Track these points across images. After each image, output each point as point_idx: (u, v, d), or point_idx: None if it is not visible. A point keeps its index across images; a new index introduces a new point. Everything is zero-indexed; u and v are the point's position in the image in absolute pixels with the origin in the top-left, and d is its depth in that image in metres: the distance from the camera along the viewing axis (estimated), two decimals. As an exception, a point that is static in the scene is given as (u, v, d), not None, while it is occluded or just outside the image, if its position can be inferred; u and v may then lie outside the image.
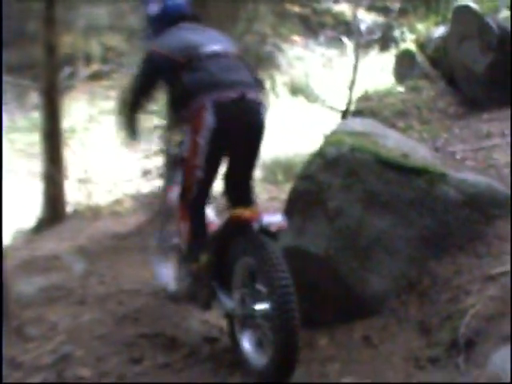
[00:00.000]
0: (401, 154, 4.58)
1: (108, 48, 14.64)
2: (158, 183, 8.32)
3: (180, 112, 4.34)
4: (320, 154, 4.63)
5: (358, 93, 9.58)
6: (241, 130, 4.25)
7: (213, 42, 4.43)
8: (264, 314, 3.82)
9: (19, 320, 4.82)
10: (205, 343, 4.57)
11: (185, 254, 4.47)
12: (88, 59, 14.55)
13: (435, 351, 3.71)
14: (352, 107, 9.33)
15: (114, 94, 12.22)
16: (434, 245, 4.33)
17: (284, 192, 8.93)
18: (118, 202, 9.20)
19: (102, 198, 9.49)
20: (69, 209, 9.23)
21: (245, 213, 4.09)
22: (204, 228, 4.43)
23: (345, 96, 10.04)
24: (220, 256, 4.20)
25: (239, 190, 4.55)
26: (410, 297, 4.23)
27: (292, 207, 4.72)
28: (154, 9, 4.64)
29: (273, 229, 3.91)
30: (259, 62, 9.90)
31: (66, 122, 9.43)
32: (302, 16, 13.28)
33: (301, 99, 11.71)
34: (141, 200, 9.28)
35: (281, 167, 10.14)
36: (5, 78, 10.53)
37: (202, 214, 4.43)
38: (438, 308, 4.00)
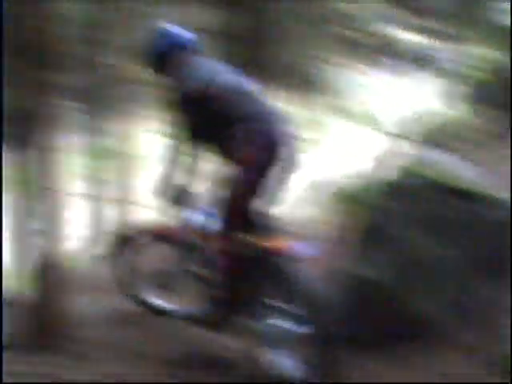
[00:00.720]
0: (458, 178, 4.56)
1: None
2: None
3: (226, 147, 4.40)
4: (378, 179, 4.62)
5: (415, 117, 9.53)
6: (285, 164, 4.36)
7: (238, 75, 4.57)
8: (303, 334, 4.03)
9: (74, 341, 4.88)
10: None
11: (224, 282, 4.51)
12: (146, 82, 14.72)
13: (491, 378, 3.68)
14: (409, 132, 9.28)
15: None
16: (488, 269, 4.29)
17: (337, 218, 8.94)
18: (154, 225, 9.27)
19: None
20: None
21: (277, 243, 4.22)
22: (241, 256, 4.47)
23: (402, 120, 9.99)
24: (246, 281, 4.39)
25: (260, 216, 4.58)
26: (461, 321, 4.20)
27: (363, 237, 4.71)
28: (162, 43, 4.71)
29: (304, 258, 4.06)
30: (316, 85, 9.89)
31: (132, 147, 9.55)
32: (354, 40, 13.27)
33: (357, 123, 11.66)
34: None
35: (334, 190, 10.11)
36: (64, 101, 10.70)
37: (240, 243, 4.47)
38: (491, 332, 3.96)
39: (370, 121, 10.84)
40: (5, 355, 4.71)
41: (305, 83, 9.78)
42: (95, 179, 10.65)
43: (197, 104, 4.38)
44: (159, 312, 5.17)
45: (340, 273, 4.50)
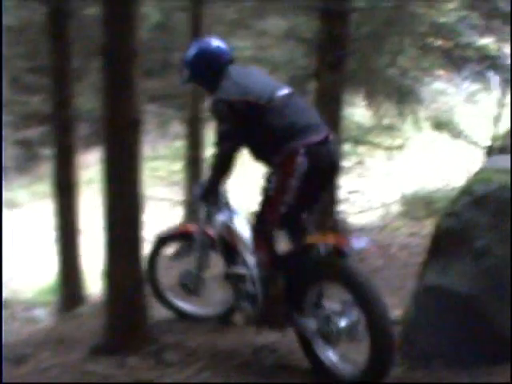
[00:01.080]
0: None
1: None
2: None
3: (267, 156, 4.50)
4: (467, 191, 4.51)
5: (503, 129, 9.35)
6: (327, 170, 4.60)
7: (278, 85, 4.68)
8: (352, 327, 4.24)
9: (158, 345, 4.92)
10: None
11: (263, 280, 4.63)
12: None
13: None
14: (497, 143, 9.10)
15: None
16: None
17: (425, 228, 8.83)
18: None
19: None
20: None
21: (331, 238, 4.47)
22: (278, 254, 4.67)
23: (489, 132, 9.80)
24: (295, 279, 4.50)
25: (304, 223, 4.76)
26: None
27: (436, 244, 4.61)
28: (195, 52, 4.79)
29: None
30: (401, 95, 9.79)
31: (207, 152, 9.61)
32: (444, 49, 13.13)
33: (443, 134, 11.48)
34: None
35: (422, 202, 9.98)
36: (148, 107, 10.84)
37: (275, 243, 4.67)
38: None
39: (458, 132, 10.65)
40: (93, 357, 4.81)
41: (392, 91, 9.67)
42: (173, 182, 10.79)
43: (240, 113, 4.45)
44: (191, 317, 5.42)
45: (426, 286, 4.43)
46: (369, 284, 4.23)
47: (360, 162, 9.22)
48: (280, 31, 9.83)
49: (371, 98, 10.07)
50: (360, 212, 9.04)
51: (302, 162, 4.34)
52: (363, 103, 10.71)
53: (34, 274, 11.09)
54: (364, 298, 4.15)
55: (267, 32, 10.24)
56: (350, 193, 8.60)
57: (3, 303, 5.55)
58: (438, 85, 13.86)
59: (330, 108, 7.64)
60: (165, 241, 5.59)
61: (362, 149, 9.79)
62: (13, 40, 18.05)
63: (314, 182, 4.49)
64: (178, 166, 8.81)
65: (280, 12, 10.43)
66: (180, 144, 9.25)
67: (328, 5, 7.50)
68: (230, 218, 5.01)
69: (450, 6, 9.84)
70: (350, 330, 4.25)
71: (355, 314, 4.21)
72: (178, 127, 9.96)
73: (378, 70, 9.13)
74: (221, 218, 5.03)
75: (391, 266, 7.08)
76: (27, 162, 18.91)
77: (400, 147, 11.23)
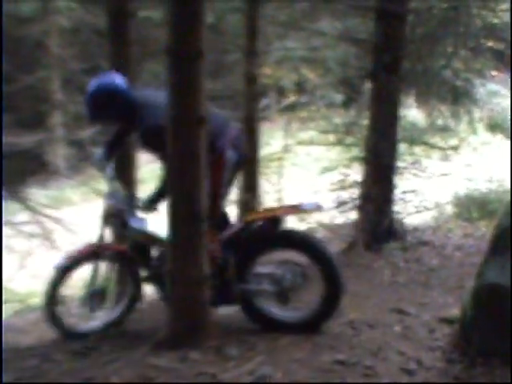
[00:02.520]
0: None
1: (302, 80, 14.94)
2: (354, 214, 8.51)
3: None
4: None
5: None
6: (244, 157, 5.61)
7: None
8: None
9: (219, 340, 4.98)
10: (402, 374, 4.47)
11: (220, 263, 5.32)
12: (284, 91, 14.91)
13: None
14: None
15: (310, 125, 12.48)
16: None
17: (479, 229, 8.80)
18: (311, 230, 9.30)
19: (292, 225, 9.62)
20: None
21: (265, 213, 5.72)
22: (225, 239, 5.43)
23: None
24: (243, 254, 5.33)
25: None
26: None
27: (495, 243, 4.61)
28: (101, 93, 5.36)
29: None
30: (456, 96, 9.75)
31: (262, 151, 9.68)
32: (496, 50, 13.03)
33: (497, 135, 11.42)
34: (335, 230, 9.39)
35: (475, 204, 9.94)
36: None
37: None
38: None
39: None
40: (156, 352, 4.89)
41: (447, 93, 9.63)
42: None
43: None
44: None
45: (485, 285, 4.44)
46: (318, 242, 5.41)
47: (415, 163, 9.19)
48: (334, 32, 9.85)
49: (425, 99, 10.03)
50: (414, 212, 9.03)
51: (231, 155, 5.26)
52: (417, 104, 10.67)
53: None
54: (317, 254, 5.18)
55: (321, 33, 10.27)
56: (404, 193, 8.59)
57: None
58: (491, 86, 13.76)
59: (386, 109, 7.68)
60: (67, 269, 5.72)
61: (417, 149, 9.76)
62: (66, 41, 18.39)
63: (236, 171, 5.49)
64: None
65: (334, 13, 10.46)
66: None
67: (385, 6, 7.53)
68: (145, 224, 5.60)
69: (503, 6, 9.78)
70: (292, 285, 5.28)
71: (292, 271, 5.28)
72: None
73: (432, 71, 9.10)
74: (137, 224, 5.58)
75: (446, 266, 7.09)
76: (80, 162, 19.12)
77: (455, 148, 11.19)
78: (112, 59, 7.19)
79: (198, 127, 4.62)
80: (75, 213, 15.66)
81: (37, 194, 16.17)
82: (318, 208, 5.43)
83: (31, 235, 11.90)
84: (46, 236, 10.35)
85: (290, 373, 4.43)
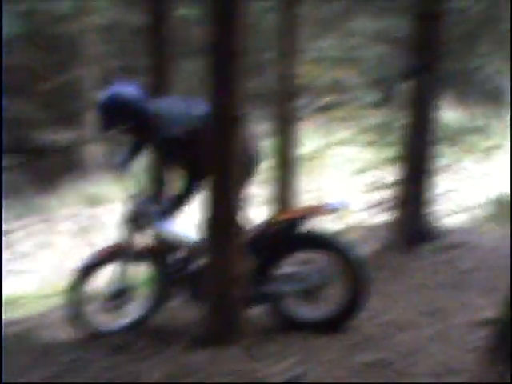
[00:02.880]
0: None
1: (337, 81, 14.94)
2: (388, 215, 8.50)
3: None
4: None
5: None
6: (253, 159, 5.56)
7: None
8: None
9: (254, 339, 5.04)
10: (435, 375, 4.44)
11: None
12: (321, 90, 14.87)
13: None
14: None
15: (347, 124, 12.48)
16: None
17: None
18: (347, 230, 9.31)
19: (330, 225, 9.62)
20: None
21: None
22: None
23: None
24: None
25: None
26: None
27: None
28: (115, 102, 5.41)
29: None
30: (494, 96, 9.71)
31: (299, 150, 9.68)
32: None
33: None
34: (369, 231, 9.38)
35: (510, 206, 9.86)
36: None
37: None
38: None
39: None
40: (191, 348, 4.97)
41: (484, 93, 9.59)
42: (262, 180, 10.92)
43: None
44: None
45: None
46: (343, 243, 5.37)
47: (453, 163, 9.17)
48: (370, 32, 9.86)
49: (462, 99, 10.01)
50: (451, 213, 9.01)
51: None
52: (454, 105, 10.63)
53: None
54: (342, 254, 5.23)
55: (357, 33, 10.28)
56: (440, 194, 8.55)
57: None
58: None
59: (422, 109, 7.67)
60: (91, 270, 5.81)
61: (455, 150, 9.73)
62: (104, 39, 18.55)
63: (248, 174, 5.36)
64: (268, 164, 8.88)
65: (370, 13, 10.47)
66: (270, 142, 9.30)
67: (423, 6, 7.52)
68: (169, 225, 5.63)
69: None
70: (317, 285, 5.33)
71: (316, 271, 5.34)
72: (268, 126, 10.03)
73: (469, 71, 9.09)
74: (162, 225, 5.60)
75: (480, 268, 7.04)
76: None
77: (493, 149, 11.12)
78: (149, 57, 7.26)
79: (235, 125, 4.67)
80: (110, 210, 15.83)
81: (73, 190, 16.38)
82: (344, 206, 5.46)
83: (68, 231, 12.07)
84: (82, 233, 10.49)
85: (323, 372, 4.47)
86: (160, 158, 5.99)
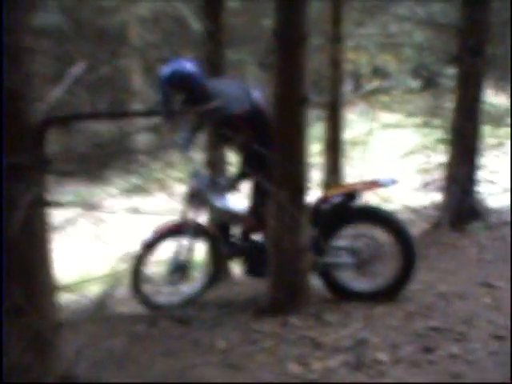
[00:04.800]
0: None
1: (379, 66, 15.06)
2: (437, 196, 8.66)
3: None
4: None
5: None
6: None
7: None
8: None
9: (317, 307, 5.28)
10: (492, 340, 4.61)
11: None
12: (360, 76, 15.02)
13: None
14: None
15: (392, 109, 12.56)
16: None
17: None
18: (397, 210, 9.42)
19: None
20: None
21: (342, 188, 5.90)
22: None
23: None
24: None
25: None
26: None
27: None
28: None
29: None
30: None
31: (346, 135, 9.85)
32: None
33: None
34: (419, 211, 9.54)
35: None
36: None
37: None
38: None
39: None
40: (258, 318, 5.21)
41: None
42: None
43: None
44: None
45: None
46: (393, 216, 5.64)
47: (498, 145, 9.28)
48: (417, 17, 9.96)
49: (506, 82, 10.08)
50: (497, 193, 9.10)
51: None
52: (499, 87, 10.71)
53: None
54: (393, 226, 5.44)
55: (404, 18, 10.38)
56: (488, 174, 8.69)
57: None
58: None
59: (471, 91, 7.82)
60: (152, 245, 6.02)
61: (501, 131, 9.82)
62: (146, 31, 18.81)
63: None
64: (317, 148, 9.08)
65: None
66: (319, 127, 9.49)
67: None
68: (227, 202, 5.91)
69: None
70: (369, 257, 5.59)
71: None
72: (316, 110, 10.19)
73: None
74: (220, 203, 5.85)
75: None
76: (159, 149, 19.42)
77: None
78: (204, 46, 7.43)
79: (301, 106, 4.91)
80: (153, 199, 16.05)
81: (117, 180, 16.61)
82: (394, 183, 5.62)
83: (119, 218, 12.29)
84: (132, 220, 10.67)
85: (386, 338, 4.67)
86: (218, 137, 6.13)
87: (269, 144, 4.99)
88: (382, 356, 4.39)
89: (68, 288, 3.19)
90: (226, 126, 5.37)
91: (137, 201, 16.20)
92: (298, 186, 5.04)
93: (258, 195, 5.59)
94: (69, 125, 6.12)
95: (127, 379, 3.98)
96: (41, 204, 2.65)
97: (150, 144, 19.60)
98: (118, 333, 5.25)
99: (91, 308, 6.52)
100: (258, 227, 5.71)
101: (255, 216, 5.64)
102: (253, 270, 5.84)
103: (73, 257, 10.91)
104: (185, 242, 5.92)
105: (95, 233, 11.13)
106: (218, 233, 5.95)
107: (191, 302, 6.07)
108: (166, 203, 6.01)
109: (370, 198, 6.67)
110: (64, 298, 3.27)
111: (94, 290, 4.51)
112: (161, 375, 4.09)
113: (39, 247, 2.71)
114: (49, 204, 2.74)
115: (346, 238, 5.65)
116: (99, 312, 6.32)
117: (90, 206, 2.85)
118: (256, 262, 5.74)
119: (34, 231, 2.66)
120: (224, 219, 5.91)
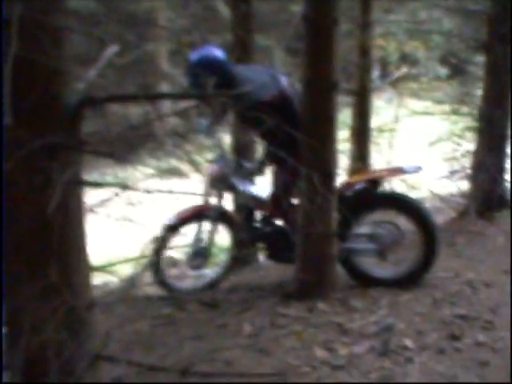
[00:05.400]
0: None
1: (407, 53, 15.00)
2: (464, 184, 8.64)
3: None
4: None
5: None
6: None
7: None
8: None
9: (344, 293, 5.31)
10: None
11: None
12: (393, 62, 14.98)
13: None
14: None
15: (421, 96, 12.52)
16: None
17: None
18: (424, 198, 9.41)
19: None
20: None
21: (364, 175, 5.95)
22: None
23: None
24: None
25: None
26: None
27: None
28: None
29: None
30: None
31: (373, 122, 9.84)
32: None
33: None
34: (446, 199, 9.52)
35: None
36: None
37: None
38: None
39: None
40: (285, 302, 5.24)
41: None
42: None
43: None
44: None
45: None
46: (416, 202, 5.63)
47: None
48: (446, 4, 9.92)
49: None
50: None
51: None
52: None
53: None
54: (415, 213, 5.45)
55: (434, 4, 10.34)
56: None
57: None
58: None
59: (500, 79, 7.77)
60: (175, 228, 5.98)
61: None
62: (175, 15, 18.81)
63: None
64: (344, 134, 9.06)
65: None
66: (346, 113, 9.50)
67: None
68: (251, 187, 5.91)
69: None
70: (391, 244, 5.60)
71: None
72: (344, 97, 10.18)
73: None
74: (243, 187, 5.86)
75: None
76: (186, 133, 19.52)
77: None
78: (232, 31, 7.44)
79: (331, 91, 4.92)
80: (181, 183, 16.14)
81: (151, 161, 16.71)
82: (418, 170, 5.58)
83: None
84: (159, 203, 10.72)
85: (412, 324, 4.70)
86: (244, 122, 6.10)
87: (296, 130, 4.98)
88: (408, 342, 4.42)
89: (101, 269, 3.22)
90: (254, 112, 5.34)
91: (173, 182, 16.40)
92: (328, 170, 5.05)
93: (281, 181, 5.61)
94: (104, 106, 6.12)
95: (155, 361, 4.01)
96: (77, 183, 2.68)
97: (179, 127, 19.73)
98: (147, 315, 5.31)
99: (121, 289, 6.62)
100: (280, 213, 5.72)
101: (278, 202, 5.64)
102: (274, 255, 5.87)
103: (106, 238, 11.02)
104: (207, 226, 5.96)
105: (129, 215, 11.18)
106: (241, 217, 5.99)
107: (212, 286, 6.12)
108: (201, 186, 5.97)
109: (396, 185, 6.66)
110: (95, 278, 3.31)
111: (125, 272, 4.57)
112: (188, 358, 4.11)
113: (75, 226, 2.75)
114: (85, 183, 2.78)
115: (369, 224, 5.67)
116: (128, 294, 6.41)
117: (125, 187, 2.86)
118: (278, 247, 5.76)
119: (71, 210, 2.69)
120: (248, 204, 5.92)
